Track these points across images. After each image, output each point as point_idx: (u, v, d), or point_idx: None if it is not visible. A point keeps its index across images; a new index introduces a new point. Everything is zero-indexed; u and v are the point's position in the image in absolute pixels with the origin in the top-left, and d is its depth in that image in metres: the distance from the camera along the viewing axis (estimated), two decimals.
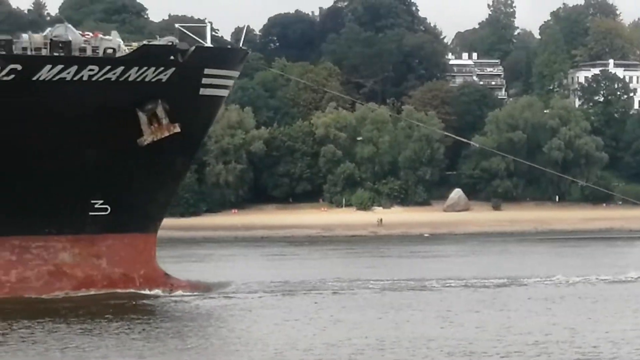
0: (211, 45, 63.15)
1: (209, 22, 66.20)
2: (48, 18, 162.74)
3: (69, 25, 61.29)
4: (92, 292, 61.24)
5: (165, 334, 49.69)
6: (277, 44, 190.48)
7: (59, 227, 60.90)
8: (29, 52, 58.05)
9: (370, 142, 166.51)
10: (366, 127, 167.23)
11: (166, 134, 60.34)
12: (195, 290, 63.47)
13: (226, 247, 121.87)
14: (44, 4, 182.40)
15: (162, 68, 59.77)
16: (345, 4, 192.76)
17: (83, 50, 59.10)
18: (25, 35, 59.35)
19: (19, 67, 56.74)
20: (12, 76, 56.75)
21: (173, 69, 60.02)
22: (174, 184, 66.07)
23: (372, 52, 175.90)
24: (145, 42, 63.01)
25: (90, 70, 58.32)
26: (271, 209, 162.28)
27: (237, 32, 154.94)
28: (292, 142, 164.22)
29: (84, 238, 61.65)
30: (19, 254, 60.32)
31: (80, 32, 61.01)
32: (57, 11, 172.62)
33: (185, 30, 63.54)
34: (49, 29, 61.39)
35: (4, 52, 57.04)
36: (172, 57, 60.19)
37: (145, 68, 59.33)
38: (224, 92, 64.65)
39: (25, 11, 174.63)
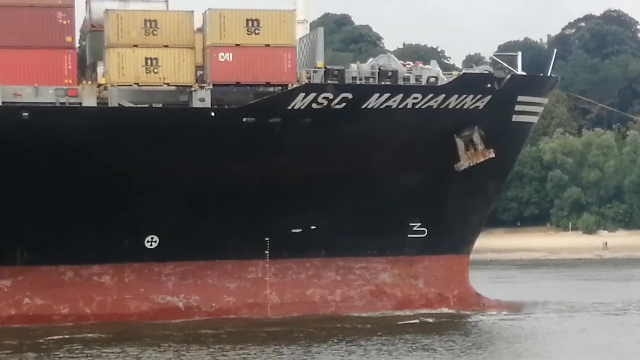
0: (524, 74, 64.88)
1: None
2: None
3: (392, 55, 64.30)
4: (408, 312, 63.56)
5: (494, 352, 51.36)
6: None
7: (380, 249, 63.67)
8: (358, 82, 61.10)
9: (595, 167, 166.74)
10: (592, 152, 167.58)
11: (481, 159, 62.46)
12: (506, 310, 65.15)
13: None
14: None
15: (479, 96, 61.90)
16: (573, 31, 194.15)
17: (407, 79, 61.82)
18: (354, 65, 62.42)
19: (349, 95, 59.70)
20: (343, 104, 59.72)
21: (489, 96, 62.08)
22: (486, 208, 68.04)
23: (598, 78, 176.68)
24: (464, 71, 65.37)
25: (415, 98, 60.88)
26: (500, 233, 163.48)
27: (468, 59, 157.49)
28: (520, 166, 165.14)
29: (403, 259, 64.24)
30: (343, 274, 63.31)
31: (402, 62, 63.72)
32: None
33: (499, 60, 65.75)
34: (371, 59, 64.42)
35: (336, 82, 60.20)
36: (489, 85, 62.28)
37: (464, 96, 61.58)
38: (534, 119, 66.42)
39: None
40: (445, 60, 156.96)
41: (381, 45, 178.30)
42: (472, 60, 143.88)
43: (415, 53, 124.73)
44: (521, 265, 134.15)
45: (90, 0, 62.29)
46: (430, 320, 61.91)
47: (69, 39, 57.41)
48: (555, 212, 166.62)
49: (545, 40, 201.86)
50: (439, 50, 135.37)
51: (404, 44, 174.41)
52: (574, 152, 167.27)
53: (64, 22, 57.14)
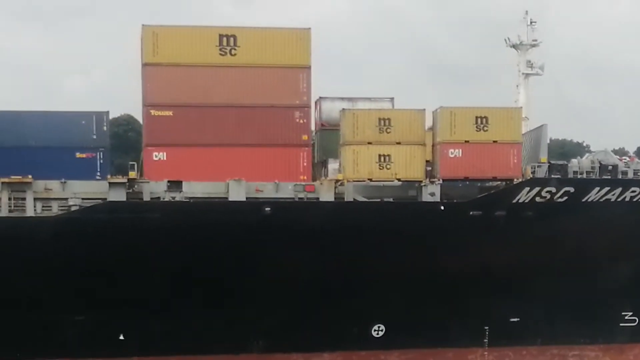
0: None
1: None
2: None
3: (609, 151, 65.56)
4: None
5: None
6: None
7: (592, 337, 64.88)
8: (579, 176, 62.50)
9: None
10: None
11: None
12: None
13: None
14: None
15: None
16: None
17: (624, 173, 63.05)
18: (574, 160, 63.91)
19: (571, 189, 61.05)
20: (565, 198, 61.06)
21: None
22: None
23: None
24: None
25: (632, 191, 62.01)
26: None
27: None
28: None
29: (615, 347, 65.33)
30: None
31: (618, 157, 65.04)
32: None
33: None
34: (588, 153, 65.86)
35: (559, 176, 61.69)
36: None
37: None
38: None
39: None
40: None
41: None
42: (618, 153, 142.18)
43: (561, 147, 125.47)
44: None
45: (320, 101, 64.69)
46: None
47: (305, 137, 59.71)
48: None
49: None
50: (584, 144, 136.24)
51: (550, 139, 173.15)
52: None
53: (301, 121, 59.48)
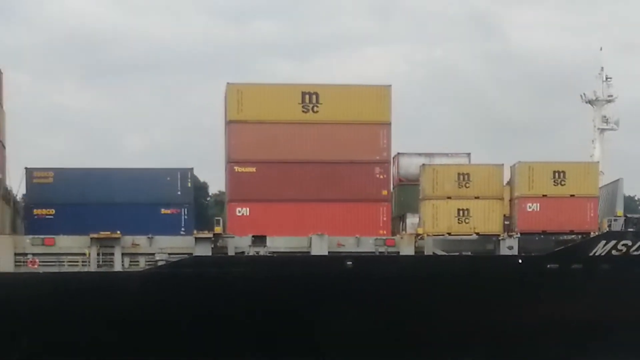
0: None
1: None
2: None
3: None
4: None
5: None
6: None
7: None
8: None
9: None
10: None
11: None
12: None
13: None
14: None
15: None
16: None
17: None
18: None
19: None
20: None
21: None
22: None
23: None
24: None
25: None
26: None
27: None
28: None
29: None
30: None
31: None
32: None
33: None
34: None
35: (635, 229, 62.26)
36: None
37: None
38: None
39: None
40: None
41: None
42: None
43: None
44: None
45: (398, 156, 65.74)
46: None
47: (384, 192, 60.71)
48: None
49: None
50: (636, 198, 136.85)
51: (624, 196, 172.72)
52: None
53: (381, 176, 60.51)
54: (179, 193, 59.12)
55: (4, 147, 59.37)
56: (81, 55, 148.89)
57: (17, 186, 59.61)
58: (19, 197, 60.99)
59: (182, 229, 58.98)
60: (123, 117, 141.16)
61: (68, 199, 58.37)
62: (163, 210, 58.97)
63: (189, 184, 59.29)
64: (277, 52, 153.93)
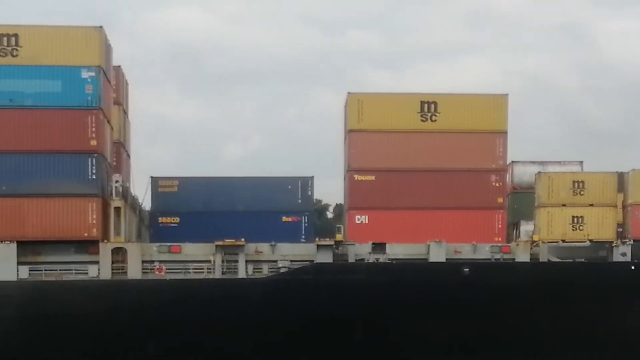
0: None
1: None
2: None
3: None
4: None
5: None
6: None
7: None
8: None
9: None
10: None
11: None
12: None
13: None
14: None
15: None
16: None
17: None
18: None
19: None
20: None
21: None
22: None
23: None
24: None
25: None
26: None
27: None
28: None
29: None
30: None
31: None
32: None
33: None
34: None
35: None
36: None
37: None
38: None
39: None
40: None
41: None
42: None
43: None
44: None
45: (513, 164, 66.55)
46: None
47: (500, 200, 61.57)
48: None
49: None
50: None
51: None
52: None
53: (497, 184, 61.36)
54: (300, 201, 60.25)
55: (129, 156, 60.65)
56: (182, 66, 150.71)
57: (143, 195, 60.98)
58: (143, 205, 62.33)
59: (303, 237, 60.10)
60: (222, 126, 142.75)
61: (192, 207, 59.69)
62: (284, 218, 60.12)
63: (309, 192, 60.37)
64: (372, 61, 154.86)
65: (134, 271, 57.80)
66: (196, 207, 59.78)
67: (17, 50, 55.79)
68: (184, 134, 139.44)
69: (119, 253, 57.52)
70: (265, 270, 59.32)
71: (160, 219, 60.11)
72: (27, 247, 56.81)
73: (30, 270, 57.05)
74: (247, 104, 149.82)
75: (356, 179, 60.91)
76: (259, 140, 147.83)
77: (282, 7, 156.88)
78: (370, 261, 59.76)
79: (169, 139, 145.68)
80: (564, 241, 61.80)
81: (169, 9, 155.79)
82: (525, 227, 63.43)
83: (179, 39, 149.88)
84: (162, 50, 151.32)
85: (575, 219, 61.45)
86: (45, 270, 57.11)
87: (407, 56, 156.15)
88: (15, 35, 55.77)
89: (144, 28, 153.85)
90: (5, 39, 55.70)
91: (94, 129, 55.86)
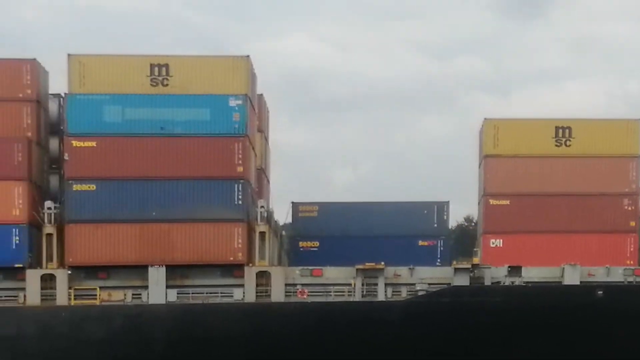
0: None
1: None
2: None
3: None
4: None
5: None
6: None
7: None
8: None
9: None
10: None
11: None
12: None
13: None
14: None
15: None
16: None
17: None
18: None
19: None
20: None
21: None
22: None
23: None
24: None
25: None
26: None
27: None
28: None
29: None
30: None
31: None
32: None
33: None
34: None
35: None
36: None
37: None
38: None
39: None
40: None
41: None
42: None
43: None
44: None
45: None
46: None
47: (632, 223, 62.39)
48: None
49: None
50: None
51: None
52: None
53: (629, 208, 62.20)
54: (436, 225, 61.44)
55: (268, 182, 62.15)
56: (294, 92, 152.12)
57: (283, 219, 62.47)
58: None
59: (438, 260, 61.24)
60: (330, 151, 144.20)
61: (331, 232, 61.08)
62: (420, 242, 61.32)
63: (445, 217, 61.54)
64: (478, 87, 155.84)
65: (277, 294, 59.16)
66: (335, 232, 61.22)
67: (167, 79, 57.55)
68: (295, 158, 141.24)
69: (262, 276, 58.97)
70: (404, 293, 60.44)
71: (300, 243, 61.56)
72: (176, 271, 58.43)
73: (178, 294, 58.62)
74: (356, 129, 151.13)
75: (491, 203, 62.01)
76: (369, 165, 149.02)
77: (388, 33, 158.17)
78: (506, 284, 60.69)
79: (283, 163, 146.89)
80: None
81: (276, 38, 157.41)
82: None
83: (289, 66, 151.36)
84: (274, 78, 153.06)
85: None
86: (193, 293, 58.61)
87: (513, 81, 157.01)
88: (166, 65, 57.55)
89: (260, 55, 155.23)
90: (156, 68, 57.47)
91: (240, 156, 57.41)
